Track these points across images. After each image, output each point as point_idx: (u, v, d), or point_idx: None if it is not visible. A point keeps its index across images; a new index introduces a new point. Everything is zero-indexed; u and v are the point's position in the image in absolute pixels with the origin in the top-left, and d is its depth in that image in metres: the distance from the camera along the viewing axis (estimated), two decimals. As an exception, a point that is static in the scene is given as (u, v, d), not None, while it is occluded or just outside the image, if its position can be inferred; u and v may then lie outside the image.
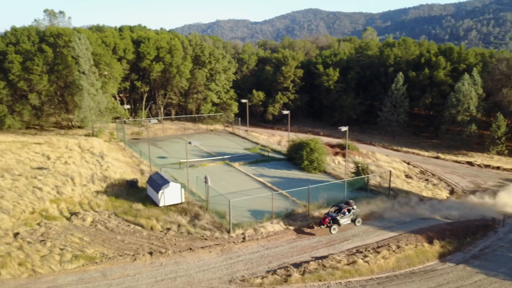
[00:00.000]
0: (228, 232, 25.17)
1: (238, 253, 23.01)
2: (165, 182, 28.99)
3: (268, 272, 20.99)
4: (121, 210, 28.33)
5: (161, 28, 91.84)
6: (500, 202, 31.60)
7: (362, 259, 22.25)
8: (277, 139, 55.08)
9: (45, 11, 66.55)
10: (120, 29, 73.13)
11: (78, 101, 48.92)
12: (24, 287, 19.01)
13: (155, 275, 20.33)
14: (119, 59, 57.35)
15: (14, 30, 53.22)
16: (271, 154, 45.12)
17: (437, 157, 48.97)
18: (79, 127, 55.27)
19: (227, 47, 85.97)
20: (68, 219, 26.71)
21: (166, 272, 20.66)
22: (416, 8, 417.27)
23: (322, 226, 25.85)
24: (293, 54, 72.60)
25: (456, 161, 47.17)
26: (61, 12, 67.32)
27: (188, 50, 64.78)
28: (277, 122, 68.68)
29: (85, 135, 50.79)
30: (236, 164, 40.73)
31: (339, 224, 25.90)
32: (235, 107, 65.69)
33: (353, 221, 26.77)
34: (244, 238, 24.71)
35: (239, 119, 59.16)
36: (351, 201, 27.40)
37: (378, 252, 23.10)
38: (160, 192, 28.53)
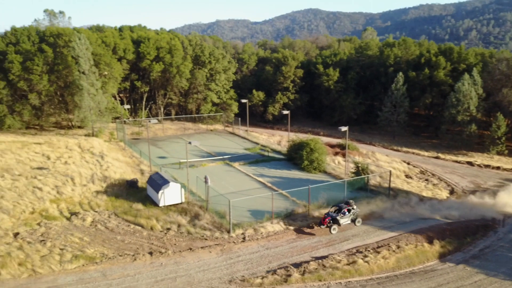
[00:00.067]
0: (228, 232, 25.17)
1: (238, 253, 23.01)
2: (165, 182, 28.99)
3: (268, 272, 20.99)
4: (121, 210, 28.33)
5: (161, 28, 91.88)
6: (500, 202, 31.61)
7: (362, 259, 22.25)
8: (277, 139, 55.10)
9: (45, 11, 66.61)
10: (120, 29, 73.14)
11: (78, 101, 48.93)
12: (24, 287, 19.01)
13: (155, 275, 20.33)
14: (119, 59, 57.36)
15: (14, 30, 53.23)
16: (271, 154, 45.13)
17: (437, 157, 48.98)
18: (79, 127, 55.28)
19: (227, 47, 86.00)
20: (68, 219, 26.71)
21: (166, 272, 20.66)
22: (416, 8, 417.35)
23: (322, 226, 25.86)
24: (293, 54, 72.61)
25: (456, 161, 47.18)
26: (61, 12, 67.35)
27: (188, 50, 64.80)
28: (277, 122, 68.69)
29: (85, 135, 50.79)
30: (236, 164, 40.74)
31: (339, 224, 25.92)
32: (235, 107, 65.70)
33: (353, 221, 26.79)
34: (244, 238, 24.71)
35: (239, 119, 59.16)
36: (351, 201, 27.40)
37: (378, 252, 23.11)
38: (160, 192, 28.53)
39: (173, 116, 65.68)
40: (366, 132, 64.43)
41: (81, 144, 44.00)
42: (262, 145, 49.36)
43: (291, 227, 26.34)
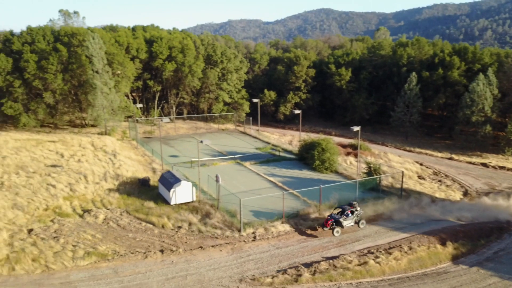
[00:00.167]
0: (239, 231, 25.18)
1: (248, 252, 23.00)
2: (177, 180, 29.13)
3: (278, 271, 20.94)
4: (133, 208, 28.56)
5: (174, 28, 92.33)
6: (515, 204, 31.05)
7: (373, 260, 22.04)
8: (288, 139, 54.96)
9: (60, 11, 67.44)
10: (133, 29, 73.70)
11: (91, 100, 49.47)
12: (37, 283, 19.26)
13: (166, 273, 20.44)
14: (132, 59, 57.84)
15: (29, 29, 54.03)
16: (282, 154, 45.03)
17: (450, 158, 48.33)
18: (92, 125, 55.89)
19: (239, 47, 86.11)
20: (81, 216, 27.02)
21: (176, 270, 20.75)
22: (430, 8, 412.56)
23: (325, 229, 25.42)
24: (305, 54, 72.36)
25: (470, 162, 46.50)
26: (75, 12, 68.11)
27: (200, 50, 65.05)
28: (288, 122, 68.52)
29: (98, 134, 51.32)
30: (247, 164, 40.76)
31: (342, 227, 25.36)
32: (246, 107, 65.75)
33: (357, 223, 26.29)
34: (254, 237, 24.69)
35: (251, 118, 59.17)
36: (354, 202, 26.61)
37: (390, 253, 22.87)
38: (172, 190, 28.68)
39: (185, 115, 66.00)
40: (379, 132, 63.91)
41: (94, 142, 44.48)
42: (273, 145, 49.30)
43: (292, 228, 25.94)
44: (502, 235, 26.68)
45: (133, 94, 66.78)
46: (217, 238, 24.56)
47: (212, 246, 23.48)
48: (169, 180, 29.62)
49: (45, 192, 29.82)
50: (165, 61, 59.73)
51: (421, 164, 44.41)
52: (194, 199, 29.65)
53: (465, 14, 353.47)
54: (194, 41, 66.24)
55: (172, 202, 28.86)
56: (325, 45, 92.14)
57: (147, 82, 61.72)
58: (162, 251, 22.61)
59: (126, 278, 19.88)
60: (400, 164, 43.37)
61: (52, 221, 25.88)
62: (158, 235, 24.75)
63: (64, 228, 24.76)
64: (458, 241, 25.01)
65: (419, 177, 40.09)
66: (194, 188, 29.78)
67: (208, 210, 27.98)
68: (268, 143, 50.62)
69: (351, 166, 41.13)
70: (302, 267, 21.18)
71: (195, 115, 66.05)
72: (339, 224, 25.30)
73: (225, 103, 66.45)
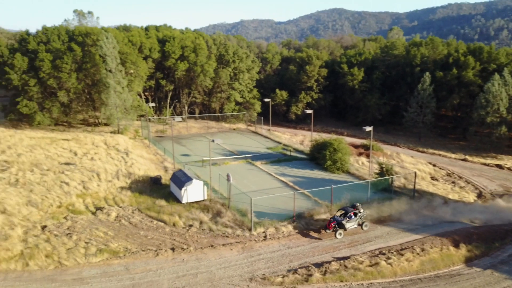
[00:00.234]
0: (250, 230, 25.19)
1: (259, 251, 23.00)
2: (188, 179, 29.26)
3: (289, 271, 20.90)
4: (144, 206, 28.78)
5: (186, 28, 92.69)
6: (531, 206, 30.51)
7: (385, 261, 21.85)
8: (300, 139, 54.79)
9: (74, 11, 68.20)
10: (146, 29, 74.24)
11: (104, 99, 49.96)
12: (50, 279, 19.52)
13: (176, 271, 20.55)
14: (145, 58, 58.26)
15: (45, 29, 54.78)
16: (293, 154, 44.93)
17: (464, 159, 47.66)
18: (105, 124, 56.46)
19: (251, 47, 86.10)
20: (93, 213, 27.32)
21: (187, 268, 20.84)
22: (444, 7, 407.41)
23: (328, 231, 25.11)
24: (317, 54, 72.02)
25: (485, 164, 45.80)
26: (89, 13, 68.88)
27: (212, 49, 65.24)
28: (300, 122, 68.30)
29: (111, 132, 51.85)
30: (258, 163, 40.75)
31: (345, 229, 25.06)
32: (258, 106, 65.71)
33: (360, 225, 26.00)
34: (265, 236, 24.68)
35: (262, 118, 59.15)
36: (357, 204, 26.25)
37: (402, 255, 22.65)
38: (183, 189, 28.81)
39: (196, 115, 66.26)
40: (391, 132, 63.33)
41: (107, 141, 44.95)
42: (284, 145, 49.21)
43: (296, 230, 25.73)
44: (517, 238, 26.24)
45: (146, 93, 67.23)
46: (227, 237, 24.61)
47: (223, 244, 23.53)
48: (181, 179, 29.77)
49: (59, 190, 30.22)
50: (178, 60, 60.04)
51: (434, 165, 43.90)
52: (205, 198, 29.76)
53: (481, 13, 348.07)
54: (207, 40, 66.45)
55: (184, 201, 29.00)
56: (338, 45, 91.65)
57: (160, 81, 62.12)
58: (173, 249, 22.73)
59: (137, 275, 20.04)
60: (413, 165, 42.92)
61: (65, 218, 26.23)
62: (169, 233, 24.89)
63: (77, 225, 25.06)
64: (472, 243, 24.65)
65: (432, 178, 39.64)
66: (205, 187, 29.89)
67: (219, 209, 28.05)
68: (280, 142, 50.55)
69: (363, 167, 40.84)
70: (313, 267, 21.10)
71: (207, 114, 66.28)
72: (341, 226, 24.96)
73: (237, 103, 66.54)
